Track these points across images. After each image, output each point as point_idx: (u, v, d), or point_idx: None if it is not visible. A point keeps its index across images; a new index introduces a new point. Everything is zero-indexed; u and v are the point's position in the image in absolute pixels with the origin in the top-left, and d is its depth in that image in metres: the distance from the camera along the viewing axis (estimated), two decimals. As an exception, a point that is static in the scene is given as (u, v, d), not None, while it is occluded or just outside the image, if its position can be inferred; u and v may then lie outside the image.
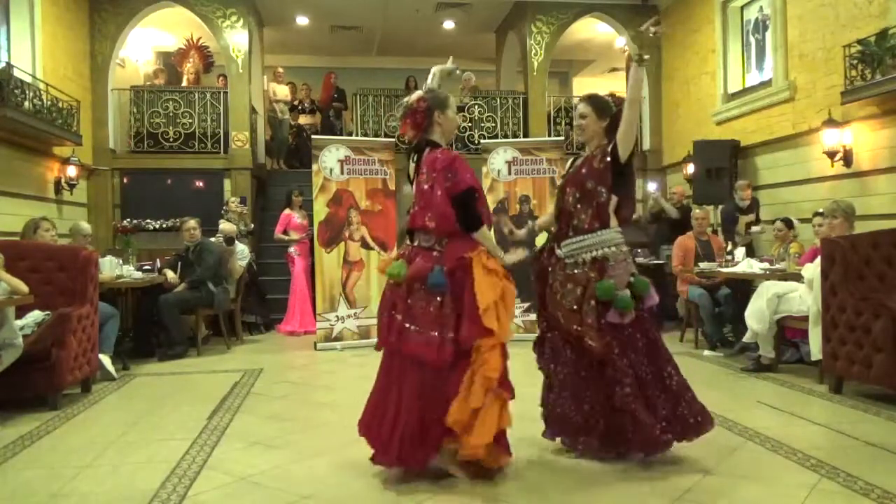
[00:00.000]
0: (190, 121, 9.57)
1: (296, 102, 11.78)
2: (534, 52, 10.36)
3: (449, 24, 11.81)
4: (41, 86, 7.29)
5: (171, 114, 9.51)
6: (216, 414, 4.25)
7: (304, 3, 10.79)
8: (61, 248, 5.33)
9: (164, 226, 9.11)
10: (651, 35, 3.39)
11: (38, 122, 6.95)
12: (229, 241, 7.14)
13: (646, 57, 3.15)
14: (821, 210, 5.60)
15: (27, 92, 6.82)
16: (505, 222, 6.64)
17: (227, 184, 9.46)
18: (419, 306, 2.95)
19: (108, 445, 3.63)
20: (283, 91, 11.39)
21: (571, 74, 14.62)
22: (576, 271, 3.15)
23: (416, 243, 3.11)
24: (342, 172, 6.95)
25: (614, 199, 3.20)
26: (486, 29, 12.15)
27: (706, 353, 6.11)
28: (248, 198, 9.29)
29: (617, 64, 13.24)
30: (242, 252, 7.35)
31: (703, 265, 6.30)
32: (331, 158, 6.93)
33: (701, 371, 5.43)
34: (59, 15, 8.20)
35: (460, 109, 9.81)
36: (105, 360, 5.27)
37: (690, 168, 8.79)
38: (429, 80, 3.26)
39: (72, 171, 8.14)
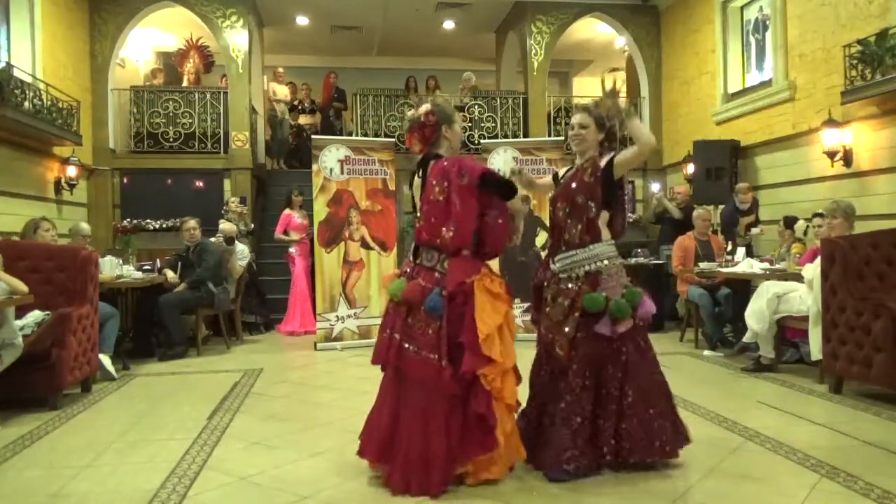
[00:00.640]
0: (190, 121, 9.58)
1: (296, 102, 11.79)
2: (534, 52, 10.35)
3: (449, 24, 11.79)
4: (41, 86, 7.30)
5: (171, 114, 9.52)
6: (216, 414, 4.25)
7: (304, 3, 10.79)
8: (61, 248, 5.32)
9: (164, 226, 9.13)
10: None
11: (38, 122, 6.96)
12: (229, 241, 7.15)
13: (631, 109, 3.21)
14: (820, 211, 5.60)
15: (27, 92, 6.83)
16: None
17: (227, 184, 9.47)
18: (418, 328, 2.92)
19: (108, 445, 3.63)
20: (283, 91, 11.38)
21: (571, 74, 14.61)
22: (569, 286, 3.14)
23: (418, 261, 3.07)
24: (342, 172, 6.95)
25: (605, 213, 3.20)
26: (486, 29, 12.13)
27: (706, 353, 6.11)
28: (248, 198, 9.29)
29: (617, 64, 13.24)
30: (242, 252, 7.35)
31: (703, 265, 6.30)
32: (331, 158, 6.93)
33: (701, 371, 5.44)
34: (59, 15, 8.21)
35: (460, 109, 9.78)
36: (105, 360, 5.27)
37: (690, 168, 8.79)
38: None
39: (72, 171, 8.16)
